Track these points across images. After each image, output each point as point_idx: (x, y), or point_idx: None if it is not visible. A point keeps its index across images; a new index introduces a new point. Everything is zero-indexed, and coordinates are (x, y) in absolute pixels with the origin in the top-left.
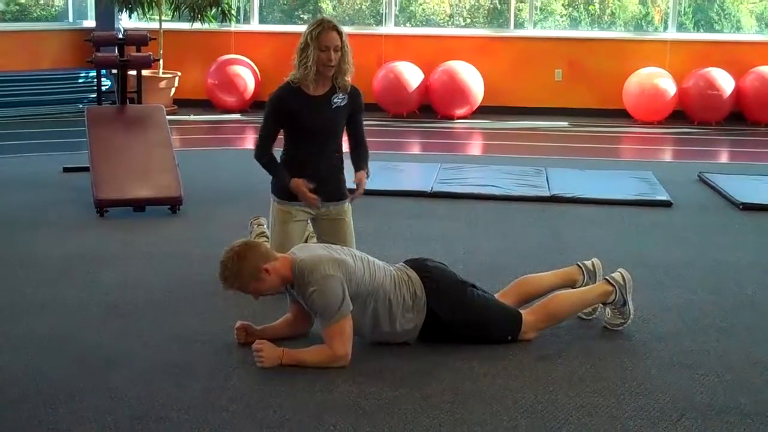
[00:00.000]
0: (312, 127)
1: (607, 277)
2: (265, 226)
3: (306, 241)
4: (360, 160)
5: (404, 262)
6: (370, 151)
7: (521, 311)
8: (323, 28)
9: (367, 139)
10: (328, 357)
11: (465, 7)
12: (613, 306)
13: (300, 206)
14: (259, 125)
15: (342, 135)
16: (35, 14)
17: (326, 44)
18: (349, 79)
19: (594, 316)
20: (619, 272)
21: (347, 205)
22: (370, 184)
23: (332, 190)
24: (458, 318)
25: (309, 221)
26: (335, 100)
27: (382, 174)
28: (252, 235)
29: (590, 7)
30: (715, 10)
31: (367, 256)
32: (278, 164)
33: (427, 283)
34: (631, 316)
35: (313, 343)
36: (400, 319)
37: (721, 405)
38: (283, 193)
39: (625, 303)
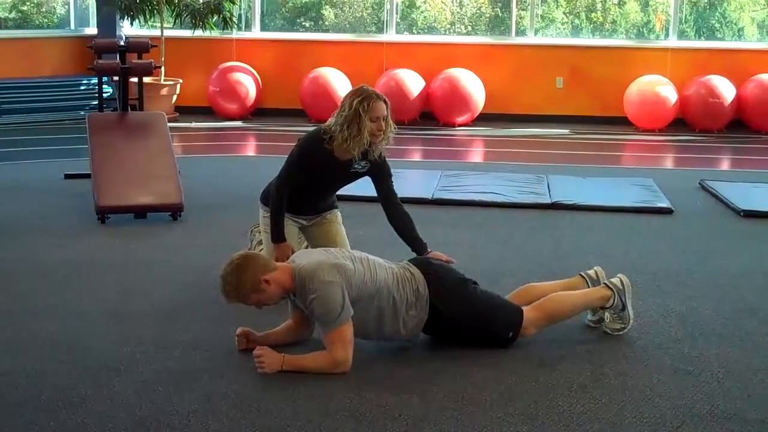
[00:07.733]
0: (324, 185)
1: (605, 282)
2: None
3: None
4: (416, 243)
5: (408, 261)
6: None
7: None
8: (372, 99)
9: None
10: (329, 363)
11: (466, 15)
12: (612, 310)
13: (288, 216)
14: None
15: None
16: (37, 21)
17: (377, 115)
18: (384, 147)
19: (601, 324)
20: (618, 277)
21: (336, 212)
22: (370, 191)
23: (324, 207)
24: (460, 312)
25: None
26: (356, 167)
27: None
28: (252, 243)
29: (593, 15)
30: (716, 18)
31: (367, 255)
32: (282, 218)
33: (429, 279)
34: (631, 321)
35: (313, 349)
36: (404, 316)
37: (722, 412)
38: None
39: (624, 308)
